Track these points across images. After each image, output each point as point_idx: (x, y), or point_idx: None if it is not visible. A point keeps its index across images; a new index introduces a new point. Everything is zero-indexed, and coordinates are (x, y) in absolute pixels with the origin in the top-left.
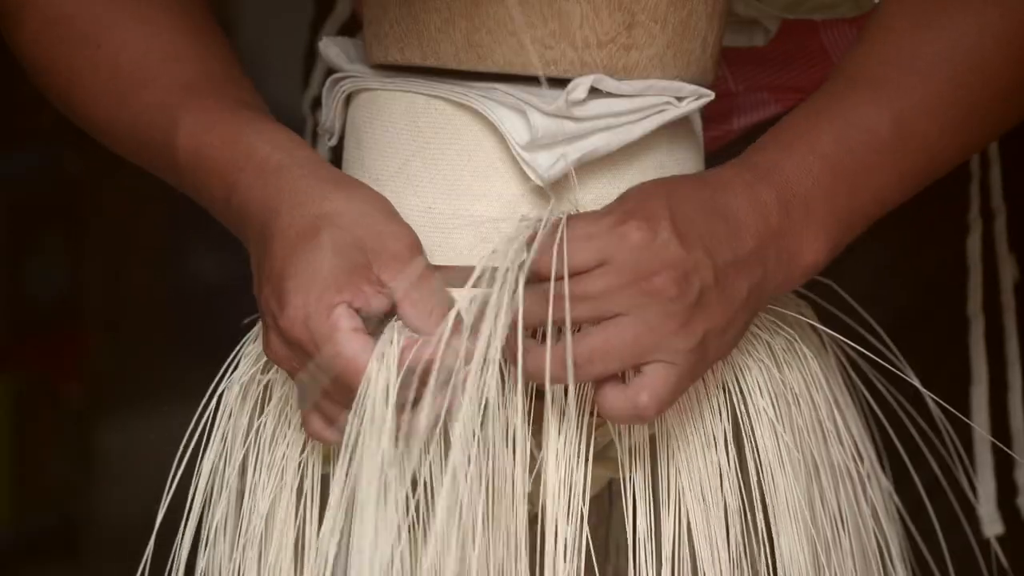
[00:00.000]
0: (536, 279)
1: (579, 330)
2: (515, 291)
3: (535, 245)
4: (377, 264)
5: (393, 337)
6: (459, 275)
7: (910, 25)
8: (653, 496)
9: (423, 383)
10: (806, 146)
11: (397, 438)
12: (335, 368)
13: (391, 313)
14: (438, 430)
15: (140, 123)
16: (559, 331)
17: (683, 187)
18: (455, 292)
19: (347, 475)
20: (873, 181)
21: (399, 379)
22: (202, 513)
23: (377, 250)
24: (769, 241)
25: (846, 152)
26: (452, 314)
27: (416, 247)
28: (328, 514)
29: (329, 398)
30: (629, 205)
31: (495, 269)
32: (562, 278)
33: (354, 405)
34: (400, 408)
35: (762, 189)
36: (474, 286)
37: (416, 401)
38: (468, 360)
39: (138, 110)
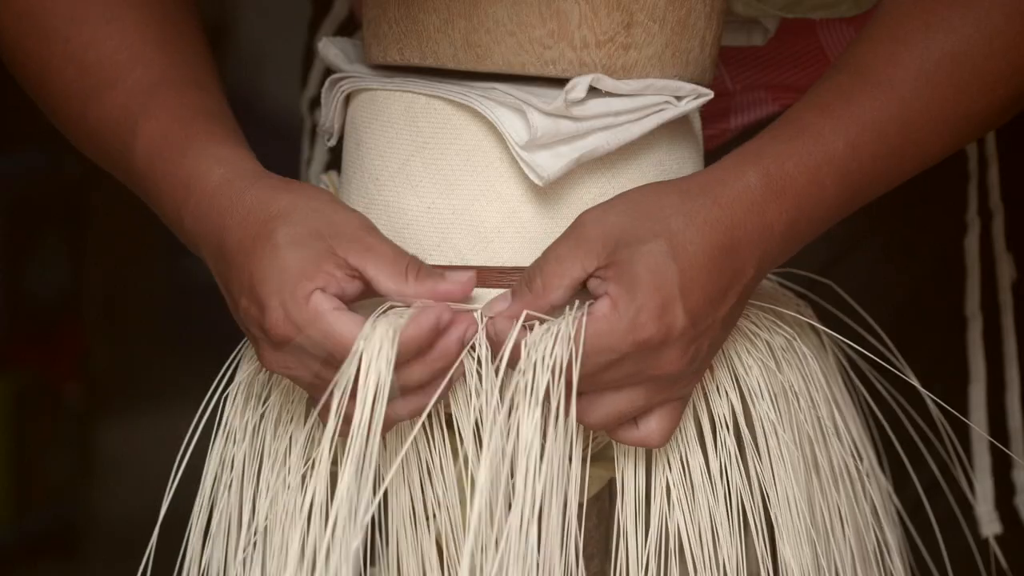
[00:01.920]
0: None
1: None
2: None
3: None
4: (340, 248)
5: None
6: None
7: (919, 26)
8: (648, 496)
9: (421, 357)
10: (822, 156)
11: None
12: (328, 348)
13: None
14: (438, 425)
15: (104, 126)
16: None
17: (692, 241)
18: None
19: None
20: (870, 188)
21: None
22: (201, 512)
23: (332, 234)
24: (767, 261)
25: (856, 161)
26: (424, 272)
27: (368, 226)
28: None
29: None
30: (640, 299)
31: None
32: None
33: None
34: (401, 389)
35: (772, 211)
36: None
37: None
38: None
39: (103, 112)
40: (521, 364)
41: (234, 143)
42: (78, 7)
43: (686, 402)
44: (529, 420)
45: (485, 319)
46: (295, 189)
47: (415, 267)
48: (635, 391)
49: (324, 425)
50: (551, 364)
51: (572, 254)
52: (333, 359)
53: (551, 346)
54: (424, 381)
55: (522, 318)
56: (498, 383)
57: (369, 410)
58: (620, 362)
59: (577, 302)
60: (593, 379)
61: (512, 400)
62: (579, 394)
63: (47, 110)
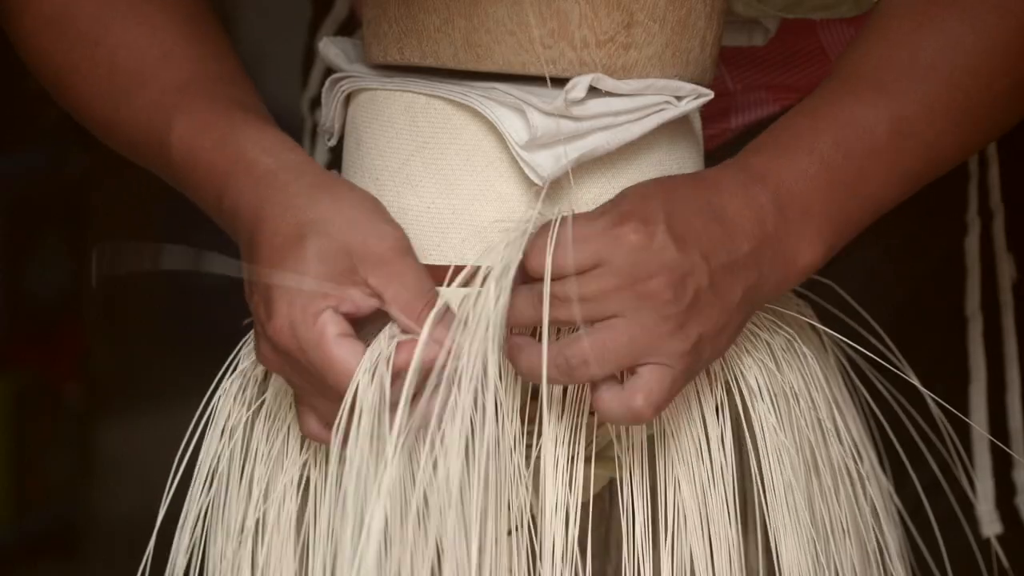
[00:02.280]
0: (530, 279)
1: (575, 330)
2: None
3: (527, 245)
4: (363, 268)
5: (383, 344)
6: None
7: (909, 27)
8: (652, 496)
9: (418, 383)
10: (804, 148)
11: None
12: (324, 374)
13: (385, 319)
14: (433, 431)
15: (137, 124)
16: (559, 331)
17: (680, 188)
18: (447, 289)
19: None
20: (870, 184)
21: (391, 380)
22: (201, 512)
23: (362, 254)
24: (764, 244)
25: (843, 155)
26: (440, 312)
27: (402, 247)
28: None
29: (322, 399)
30: (625, 207)
31: (489, 268)
32: (557, 278)
33: (344, 409)
34: (393, 409)
35: (758, 192)
36: (468, 284)
37: (411, 400)
38: (458, 357)
39: (135, 111)
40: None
41: (274, 131)
42: (105, 9)
43: (675, 375)
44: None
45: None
46: (337, 192)
47: (430, 307)
48: (614, 322)
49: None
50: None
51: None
52: (326, 386)
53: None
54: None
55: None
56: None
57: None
58: (598, 270)
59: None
60: (570, 291)
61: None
62: (560, 329)
63: (75, 111)
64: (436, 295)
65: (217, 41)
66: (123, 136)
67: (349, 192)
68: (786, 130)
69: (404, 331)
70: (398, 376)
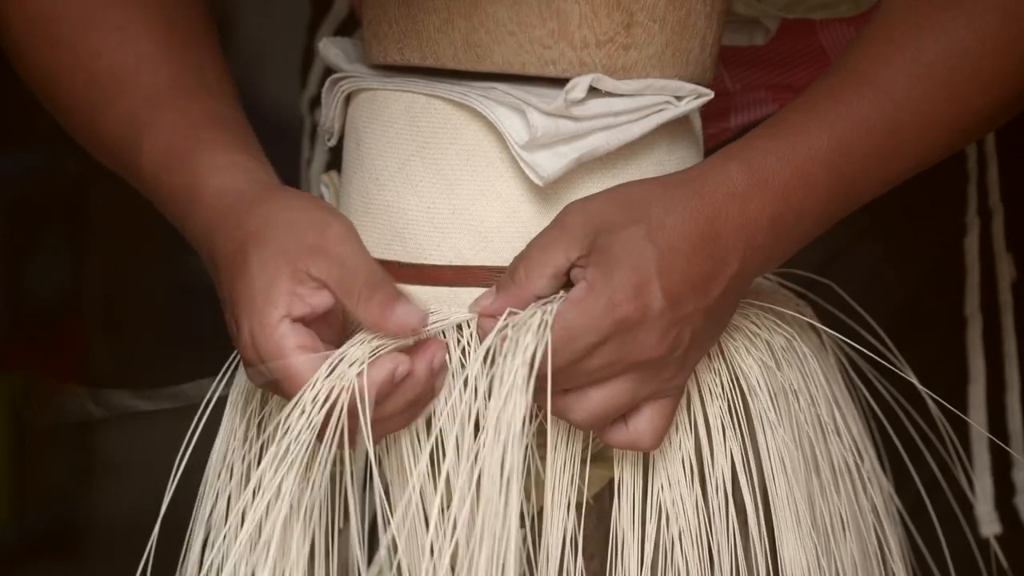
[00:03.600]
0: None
1: None
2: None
3: (537, 341)
4: (303, 262)
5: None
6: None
7: (911, 27)
8: (647, 496)
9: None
10: (807, 151)
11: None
12: (286, 387)
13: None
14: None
15: (113, 135)
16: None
17: (671, 227)
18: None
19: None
20: (864, 185)
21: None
22: (201, 512)
23: (300, 249)
24: (751, 257)
25: (844, 157)
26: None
27: (341, 235)
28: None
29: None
30: (618, 278)
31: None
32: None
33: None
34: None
35: (755, 203)
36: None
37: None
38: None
39: (110, 122)
40: (494, 354)
41: (234, 149)
42: (86, 13)
43: (676, 401)
44: (508, 410)
45: (474, 319)
46: (276, 203)
47: (369, 289)
48: (618, 383)
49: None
50: (527, 356)
51: (554, 243)
52: (285, 392)
53: (526, 336)
54: (401, 409)
55: (505, 315)
56: (486, 379)
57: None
58: (600, 347)
59: (561, 292)
60: (575, 370)
61: (487, 395)
62: (563, 390)
63: (57, 116)
64: (372, 281)
65: (197, 49)
66: (101, 145)
67: (283, 199)
68: (790, 129)
69: (352, 314)
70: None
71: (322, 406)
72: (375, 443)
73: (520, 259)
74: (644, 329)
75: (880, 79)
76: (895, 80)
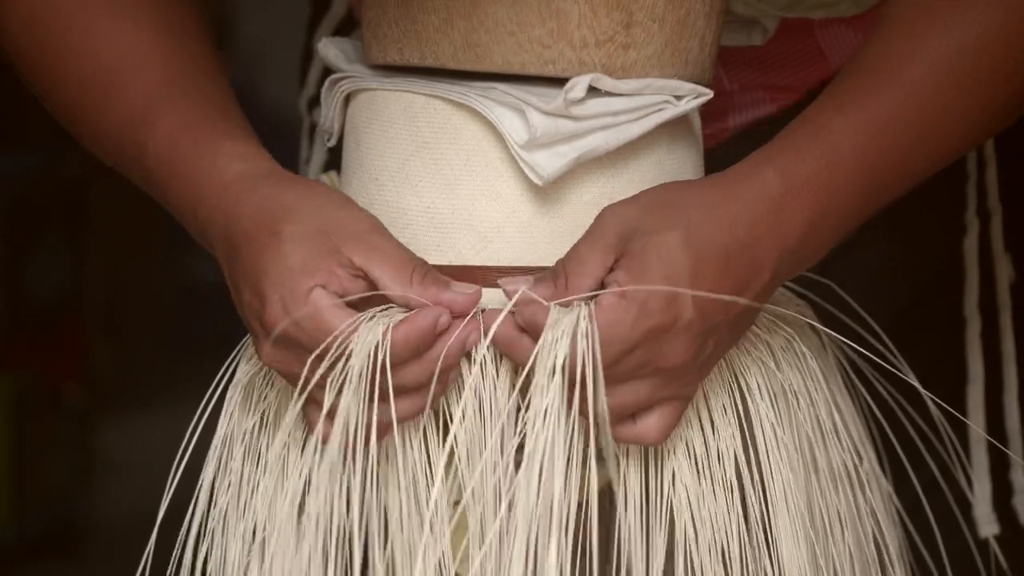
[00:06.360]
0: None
1: None
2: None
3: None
4: (345, 247)
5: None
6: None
7: (928, 23)
8: (649, 496)
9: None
10: (839, 153)
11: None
12: (320, 341)
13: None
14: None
15: (112, 132)
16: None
17: (709, 234)
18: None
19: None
20: (895, 185)
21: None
22: (198, 511)
23: (340, 233)
24: (785, 264)
25: (874, 158)
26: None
27: (377, 226)
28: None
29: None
30: (650, 295)
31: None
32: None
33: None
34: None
35: (790, 211)
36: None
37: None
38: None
39: (110, 120)
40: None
41: (245, 139)
42: (79, 12)
43: (687, 402)
44: (552, 411)
45: (490, 322)
46: (303, 186)
47: (421, 271)
48: (640, 384)
49: (308, 421)
50: (562, 363)
51: (592, 252)
52: (326, 353)
53: (561, 344)
54: (420, 383)
55: (552, 306)
56: (521, 376)
57: (357, 403)
58: (629, 353)
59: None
60: (602, 372)
61: (528, 397)
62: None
63: (55, 114)
64: (422, 264)
65: (195, 44)
66: (100, 142)
67: (314, 185)
68: (822, 129)
69: (399, 302)
70: (400, 346)
71: (367, 347)
72: (379, 440)
73: (560, 266)
74: (672, 337)
75: (903, 76)
76: (919, 76)
